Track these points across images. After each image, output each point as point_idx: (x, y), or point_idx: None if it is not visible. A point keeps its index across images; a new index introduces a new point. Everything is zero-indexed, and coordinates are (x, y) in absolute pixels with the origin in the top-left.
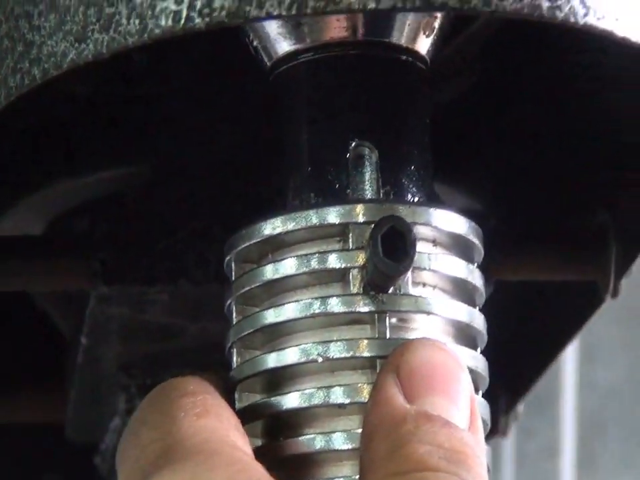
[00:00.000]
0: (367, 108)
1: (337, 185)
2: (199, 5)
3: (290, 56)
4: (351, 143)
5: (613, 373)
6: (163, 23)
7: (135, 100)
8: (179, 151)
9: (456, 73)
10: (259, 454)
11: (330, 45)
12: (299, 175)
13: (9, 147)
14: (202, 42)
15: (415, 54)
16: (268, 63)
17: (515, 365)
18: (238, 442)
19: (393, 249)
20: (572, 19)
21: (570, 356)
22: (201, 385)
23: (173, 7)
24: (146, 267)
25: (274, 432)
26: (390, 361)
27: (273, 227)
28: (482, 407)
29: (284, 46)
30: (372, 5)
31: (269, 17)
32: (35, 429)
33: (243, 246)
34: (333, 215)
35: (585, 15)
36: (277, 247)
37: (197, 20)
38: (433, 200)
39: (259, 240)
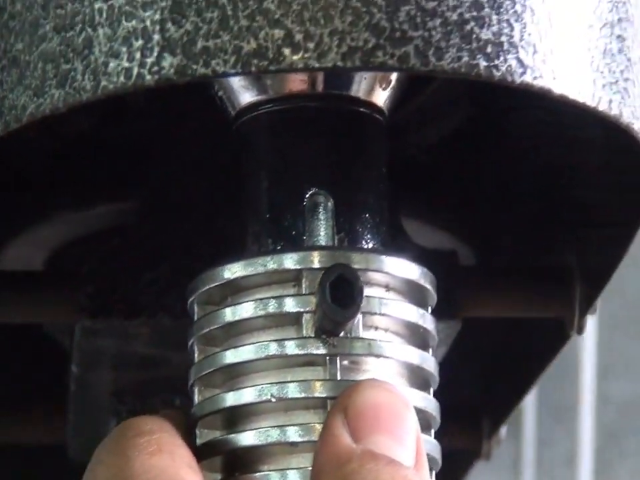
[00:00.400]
0: (323, 158)
1: (294, 232)
2: (149, 63)
3: (252, 107)
4: (308, 192)
5: (628, 387)
6: (115, 79)
7: (129, 139)
8: (166, 189)
9: (436, 118)
10: None
11: (290, 97)
12: (257, 221)
13: (7, 182)
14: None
15: (373, 106)
16: (232, 113)
17: (495, 395)
18: (187, 479)
19: (341, 296)
20: (509, 78)
21: (588, 371)
22: (158, 423)
23: (125, 64)
24: (128, 301)
25: (231, 467)
26: (339, 401)
27: (232, 271)
28: (432, 446)
29: (246, 97)
30: (313, 64)
31: (215, 75)
32: (39, 448)
33: (204, 289)
34: (288, 261)
35: (522, 73)
36: (235, 290)
37: (147, 77)
38: (387, 246)
39: (218, 283)
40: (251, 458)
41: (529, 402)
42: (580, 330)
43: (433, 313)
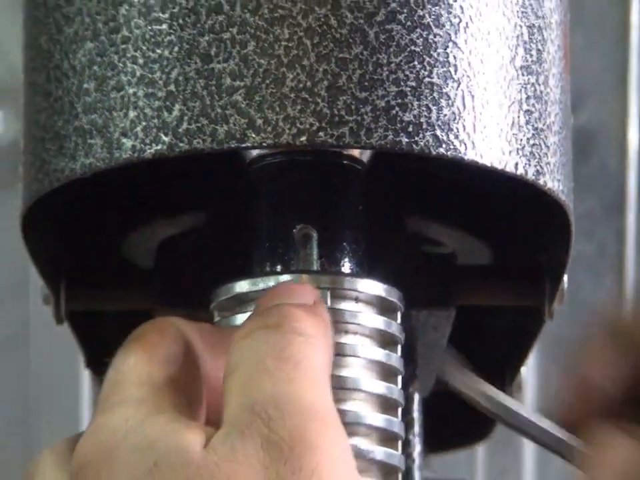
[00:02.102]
0: (310, 199)
1: (286, 258)
2: (148, 141)
3: (259, 159)
4: (297, 226)
5: None
6: (124, 153)
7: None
8: (224, 207)
9: None
10: None
11: (288, 152)
12: (259, 249)
13: (122, 194)
14: None
15: (352, 158)
16: (247, 162)
17: (512, 358)
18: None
19: None
20: (426, 151)
21: None
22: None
23: (132, 141)
24: (190, 294)
25: None
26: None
27: (240, 287)
28: (395, 457)
29: (255, 151)
30: (270, 143)
31: (195, 151)
32: None
33: (220, 300)
34: (281, 281)
35: (438, 147)
36: (242, 301)
37: (147, 152)
38: (361, 266)
39: (230, 296)
40: None
41: None
42: (550, 316)
43: (402, 317)
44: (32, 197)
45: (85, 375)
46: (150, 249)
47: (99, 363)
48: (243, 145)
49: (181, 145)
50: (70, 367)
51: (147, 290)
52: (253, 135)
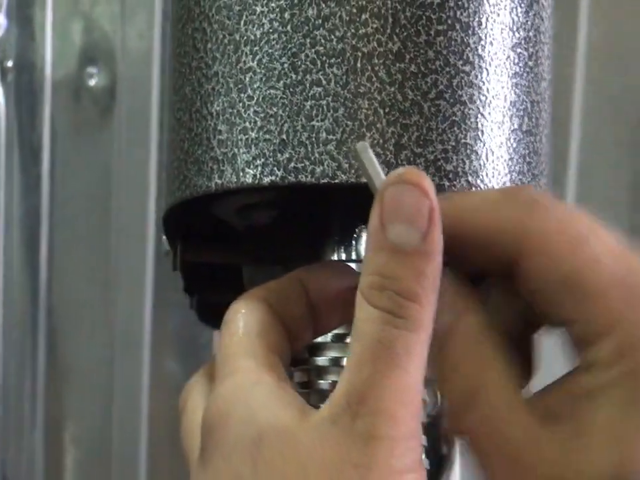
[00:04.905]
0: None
1: (350, 249)
2: (265, 172)
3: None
4: (359, 228)
5: None
6: (247, 179)
7: None
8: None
9: None
10: None
11: None
12: (330, 241)
13: None
14: None
15: None
16: None
17: None
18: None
19: None
20: (462, 190)
21: None
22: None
23: (252, 171)
24: (273, 253)
25: None
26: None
27: None
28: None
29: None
30: (353, 182)
31: (299, 183)
32: None
33: None
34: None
35: (470, 188)
36: None
37: (264, 180)
38: None
39: None
40: None
41: None
42: None
43: None
44: (175, 200)
45: None
46: (237, 212)
47: (201, 309)
48: (333, 182)
49: (290, 178)
50: None
51: (239, 248)
52: (341, 175)
